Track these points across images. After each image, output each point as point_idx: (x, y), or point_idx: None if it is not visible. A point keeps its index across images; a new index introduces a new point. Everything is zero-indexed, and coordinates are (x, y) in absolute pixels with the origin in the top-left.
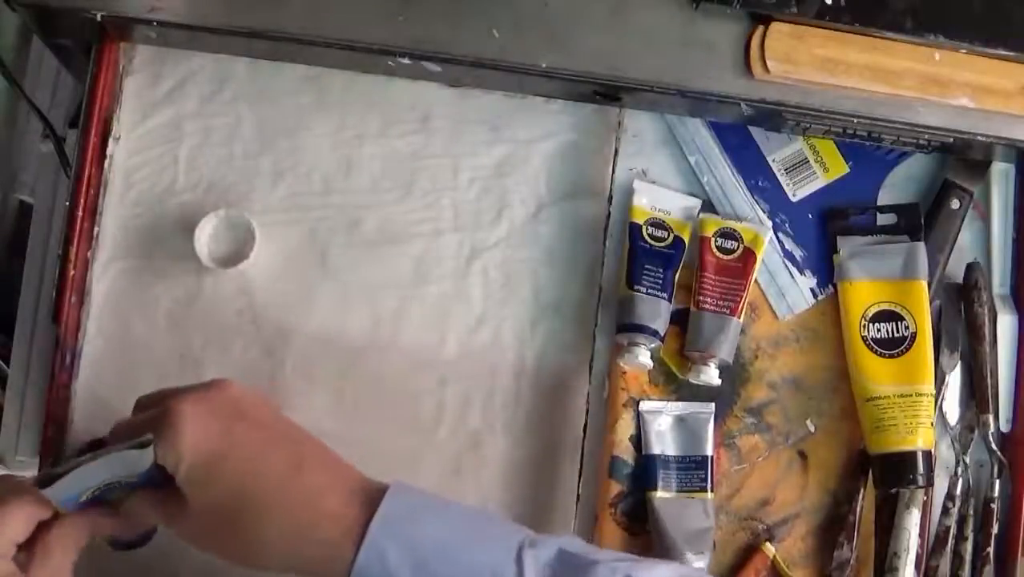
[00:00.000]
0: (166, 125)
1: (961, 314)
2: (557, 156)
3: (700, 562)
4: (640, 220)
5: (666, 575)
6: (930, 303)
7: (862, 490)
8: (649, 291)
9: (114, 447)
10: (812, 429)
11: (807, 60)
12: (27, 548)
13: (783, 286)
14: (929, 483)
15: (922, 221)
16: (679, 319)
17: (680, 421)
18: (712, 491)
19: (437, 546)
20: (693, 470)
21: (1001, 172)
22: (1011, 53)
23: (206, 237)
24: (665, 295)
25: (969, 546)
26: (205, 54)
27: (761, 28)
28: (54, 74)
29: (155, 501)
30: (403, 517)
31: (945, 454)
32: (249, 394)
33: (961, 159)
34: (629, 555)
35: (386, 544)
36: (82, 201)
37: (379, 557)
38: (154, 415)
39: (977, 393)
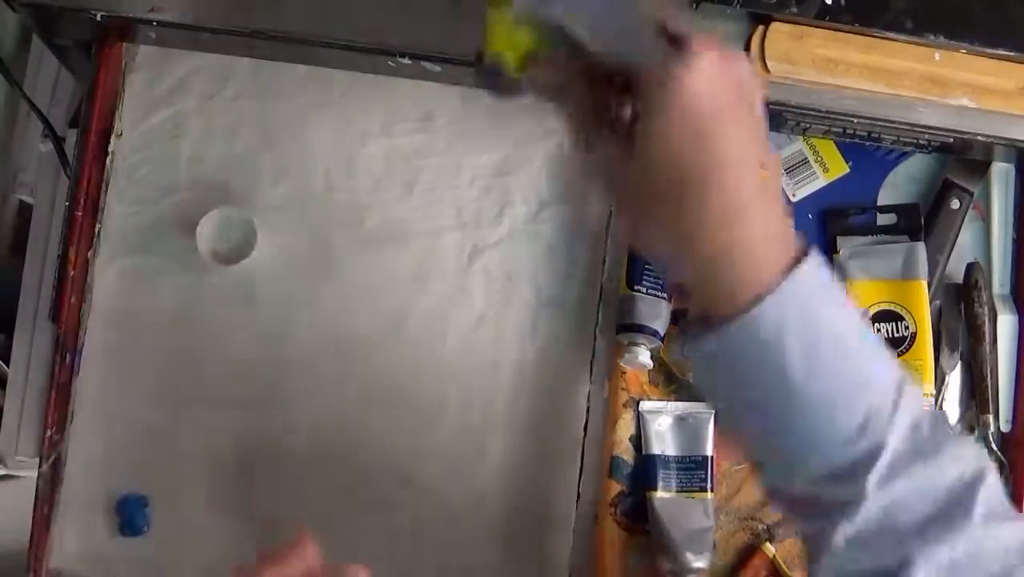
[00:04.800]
0: (168, 123)
1: (961, 314)
2: (558, 155)
3: (700, 562)
4: None
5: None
6: (930, 303)
7: None
8: (649, 291)
9: None
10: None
11: (807, 60)
12: None
13: None
14: None
15: (922, 221)
16: (679, 319)
17: (680, 421)
18: (712, 491)
19: (834, 339)
20: (693, 470)
21: (1001, 172)
22: (1011, 53)
23: (208, 235)
24: (665, 295)
25: None
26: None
27: (761, 28)
28: (54, 74)
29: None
30: (815, 290)
31: None
32: (759, 82)
33: (961, 159)
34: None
35: (789, 310)
36: (82, 201)
37: (778, 319)
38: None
39: (977, 393)
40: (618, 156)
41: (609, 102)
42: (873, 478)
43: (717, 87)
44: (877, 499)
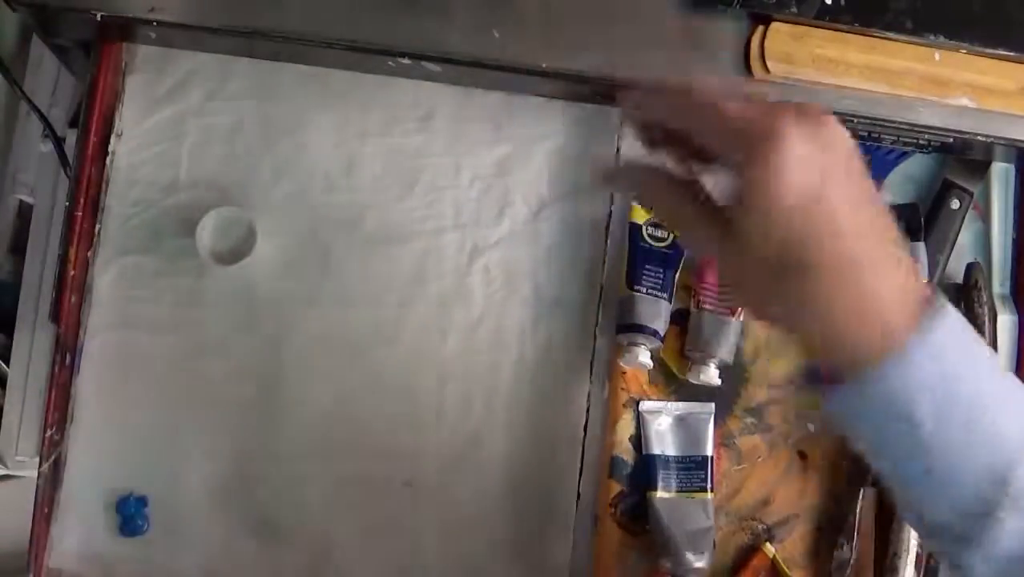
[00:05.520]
0: (168, 122)
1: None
2: (558, 155)
3: (700, 562)
4: (640, 220)
5: None
6: None
7: (862, 490)
8: (649, 291)
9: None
10: (812, 429)
11: (807, 60)
12: None
13: None
14: None
15: (922, 221)
16: (679, 319)
17: (680, 421)
18: (712, 491)
19: (963, 393)
20: (693, 470)
21: (1001, 172)
22: (1011, 53)
23: (208, 234)
24: (665, 295)
25: None
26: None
27: (761, 28)
28: (54, 74)
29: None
30: (950, 346)
31: None
32: (850, 140)
33: (961, 159)
34: None
35: (923, 362)
36: (81, 201)
37: (907, 371)
38: (752, 120)
39: None
40: (719, 237)
41: (699, 187)
42: (1005, 511)
43: (805, 163)
44: (1014, 529)
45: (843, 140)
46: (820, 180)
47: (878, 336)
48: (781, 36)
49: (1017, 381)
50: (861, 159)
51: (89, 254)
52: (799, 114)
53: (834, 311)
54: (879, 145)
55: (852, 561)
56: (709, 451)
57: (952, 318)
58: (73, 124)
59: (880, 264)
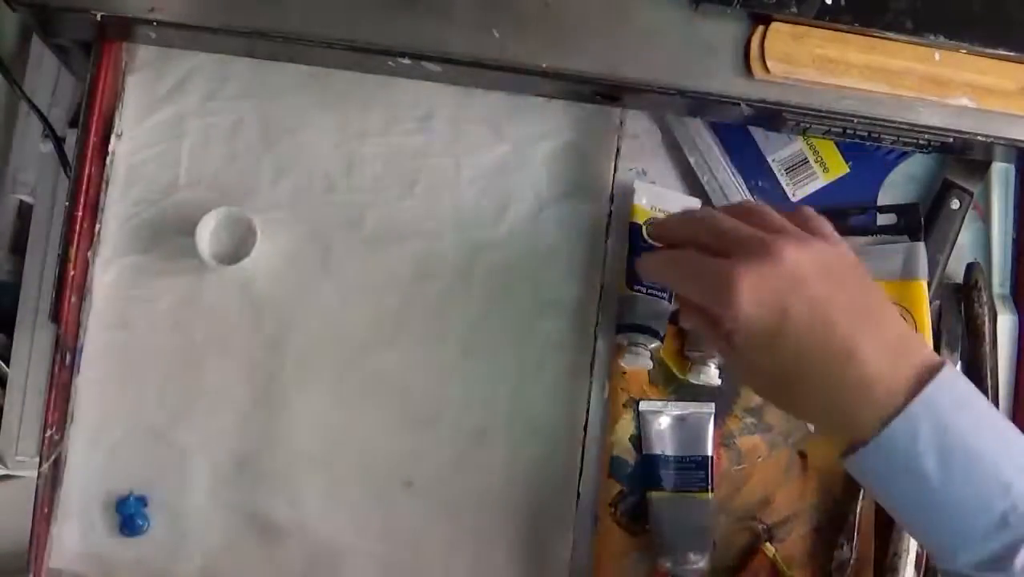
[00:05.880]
0: (168, 122)
1: (961, 314)
2: (558, 156)
3: (700, 562)
4: (640, 220)
5: None
6: (930, 303)
7: (862, 490)
8: (649, 291)
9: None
10: (812, 429)
11: (807, 60)
12: None
13: None
14: None
15: (922, 221)
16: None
17: (680, 421)
18: (712, 491)
19: (968, 445)
20: (693, 470)
21: (1001, 172)
22: (1011, 53)
23: (207, 234)
24: (665, 295)
25: None
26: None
27: (761, 28)
28: (54, 74)
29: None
30: (947, 403)
31: None
32: (811, 262)
33: (961, 159)
34: None
35: (922, 424)
36: (81, 200)
37: (911, 433)
38: (712, 274)
39: None
40: (725, 353)
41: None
42: (1018, 565)
43: (760, 296)
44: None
45: (800, 273)
46: (778, 317)
47: (879, 405)
48: (781, 36)
49: (1016, 430)
50: (826, 271)
51: (89, 254)
52: (753, 257)
53: (831, 398)
54: (879, 145)
55: (852, 561)
56: (709, 451)
57: (947, 376)
58: (73, 124)
59: (863, 348)
